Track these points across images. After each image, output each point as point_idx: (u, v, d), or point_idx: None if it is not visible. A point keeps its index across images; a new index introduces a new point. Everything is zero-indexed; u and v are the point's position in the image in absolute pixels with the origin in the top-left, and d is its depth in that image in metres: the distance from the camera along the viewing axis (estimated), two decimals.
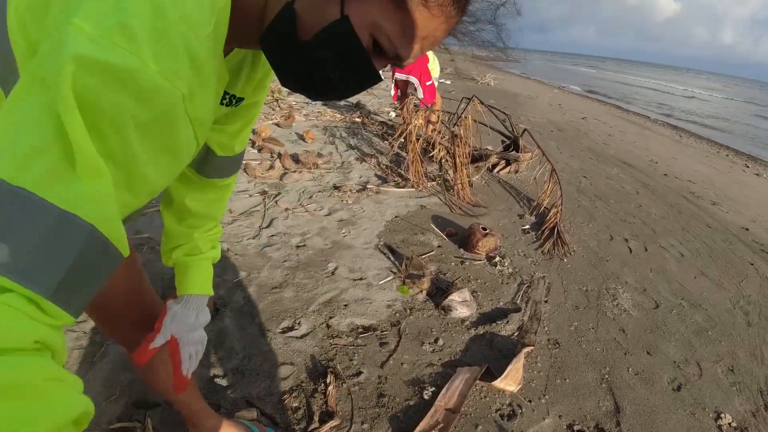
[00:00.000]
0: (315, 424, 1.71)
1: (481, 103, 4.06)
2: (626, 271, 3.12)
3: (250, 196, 3.41)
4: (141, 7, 0.44)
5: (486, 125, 4.35)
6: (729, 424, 2.02)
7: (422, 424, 1.73)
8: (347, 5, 0.57)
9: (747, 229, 4.92)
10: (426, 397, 1.89)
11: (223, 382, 1.87)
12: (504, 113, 4.57)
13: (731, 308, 2.97)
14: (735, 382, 2.30)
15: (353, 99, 7.66)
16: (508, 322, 2.38)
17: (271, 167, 3.81)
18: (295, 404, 1.80)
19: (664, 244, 3.67)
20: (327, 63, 0.62)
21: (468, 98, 4.06)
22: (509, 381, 1.96)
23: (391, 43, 0.60)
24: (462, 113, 3.86)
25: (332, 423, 1.72)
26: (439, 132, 4.16)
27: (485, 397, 1.93)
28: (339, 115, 5.97)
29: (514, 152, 4.60)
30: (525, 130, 4.50)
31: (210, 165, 0.98)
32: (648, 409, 2.00)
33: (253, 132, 4.68)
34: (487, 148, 4.83)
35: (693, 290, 3.07)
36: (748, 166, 9.19)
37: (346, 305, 2.38)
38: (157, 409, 1.71)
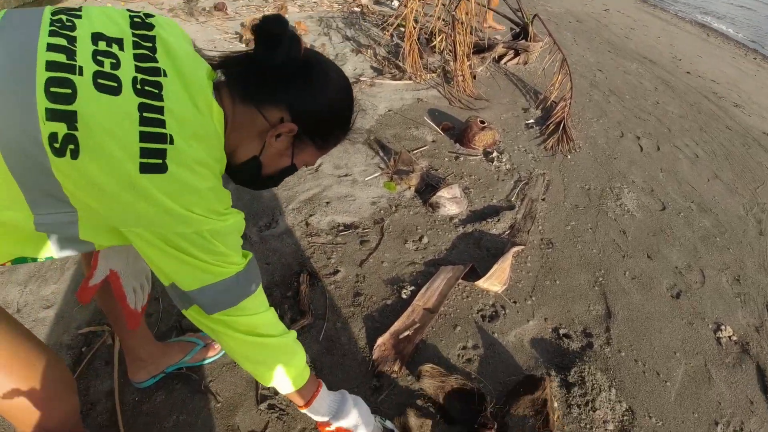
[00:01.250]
0: (286, 323, 1.62)
1: None
2: (634, 171, 2.91)
3: None
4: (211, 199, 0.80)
5: (490, 8, 3.94)
6: (729, 337, 1.90)
7: (397, 323, 1.64)
8: (295, 157, 0.94)
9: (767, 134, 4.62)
10: (404, 296, 1.79)
11: None
12: None
13: (744, 215, 2.78)
14: (740, 293, 2.17)
15: None
16: (499, 220, 2.23)
17: None
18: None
19: (679, 143, 3.41)
20: (275, 182, 1.01)
21: None
22: (494, 281, 1.85)
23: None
24: None
25: (303, 321, 1.64)
26: (439, 18, 3.79)
27: (467, 297, 1.83)
28: (336, 5, 5.51)
29: (523, 41, 4.22)
30: (536, 16, 4.09)
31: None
32: (642, 316, 1.89)
33: (241, 25, 4.34)
34: (494, 38, 4.45)
35: (704, 194, 2.87)
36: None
37: (328, 202, 2.24)
38: None
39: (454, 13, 3.51)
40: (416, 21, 3.60)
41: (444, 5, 3.54)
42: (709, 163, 3.28)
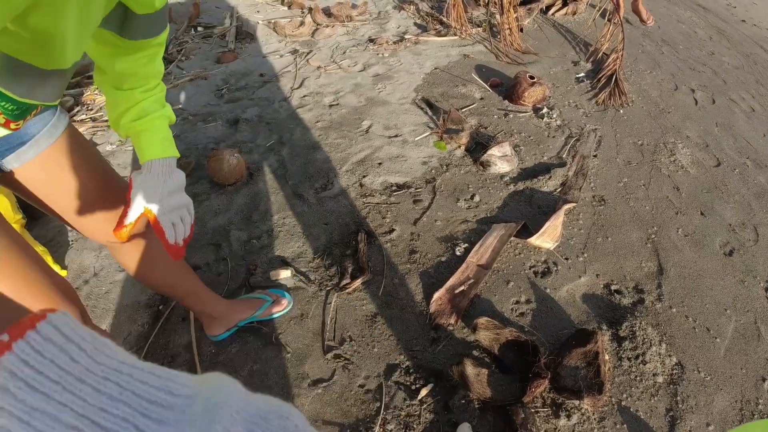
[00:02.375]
0: (347, 280, 1.73)
1: None
2: (689, 125, 2.84)
3: (281, 56, 3.23)
4: None
5: None
6: None
7: (452, 279, 1.72)
8: None
9: None
10: (458, 253, 1.86)
11: (258, 244, 1.89)
12: None
13: None
14: None
15: None
16: (550, 177, 2.25)
17: (302, 24, 3.54)
18: (329, 261, 1.82)
19: (735, 96, 3.28)
20: None
21: None
22: (546, 238, 1.89)
23: None
24: None
25: (363, 278, 1.74)
26: None
27: (520, 254, 1.88)
28: None
29: None
30: None
31: (133, 26, 0.88)
32: (694, 273, 1.90)
33: None
34: None
35: (761, 149, 2.78)
36: None
37: (380, 163, 2.30)
38: (199, 272, 1.79)
39: None
40: None
41: None
42: (766, 118, 3.16)
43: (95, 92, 2.81)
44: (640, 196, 2.24)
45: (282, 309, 1.65)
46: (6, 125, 0.79)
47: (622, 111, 2.85)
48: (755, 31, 4.79)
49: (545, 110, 2.71)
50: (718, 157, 2.61)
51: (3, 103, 0.75)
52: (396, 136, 2.48)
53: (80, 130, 2.48)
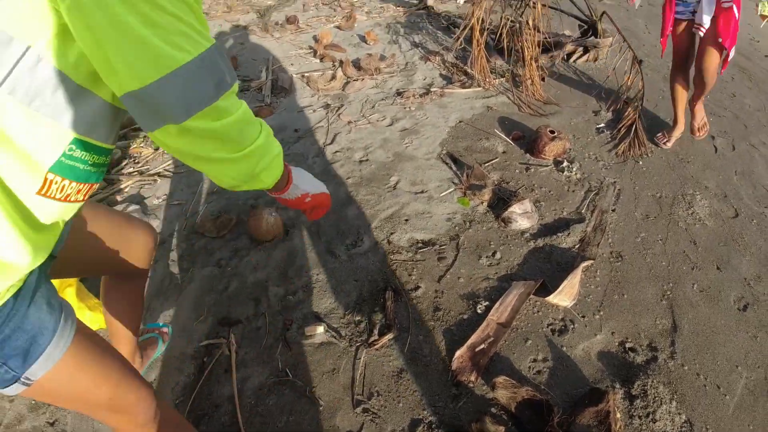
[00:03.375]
0: (374, 336, 1.88)
1: None
2: (708, 175, 2.92)
3: (314, 111, 3.45)
4: None
5: (558, 9, 3.95)
6: None
7: (473, 337, 1.85)
8: None
9: None
10: (479, 311, 1.99)
11: (294, 299, 2.06)
12: None
13: None
14: None
15: None
16: (569, 234, 2.37)
17: (333, 77, 3.78)
18: (358, 318, 1.97)
19: (755, 141, 3.33)
20: None
21: None
22: (563, 296, 2.01)
23: None
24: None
25: (390, 335, 1.88)
26: (508, 18, 3.86)
27: (538, 311, 2.00)
28: (402, 9, 5.66)
29: (592, 38, 4.21)
30: (604, 13, 4.06)
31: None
32: (707, 329, 1.98)
33: (314, 39, 4.59)
34: (562, 34, 4.46)
35: None
36: None
37: (407, 220, 2.46)
38: (239, 326, 1.95)
39: (521, 18, 3.59)
40: (482, 29, 3.71)
41: (511, 6, 3.61)
42: None
43: (141, 144, 3.06)
44: (657, 252, 2.33)
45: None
46: (65, 200, 0.80)
47: (641, 162, 2.96)
48: None
49: (566, 164, 2.84)
50: (736, 207, 2.67)
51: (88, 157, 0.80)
52: (422, 192, 2.64)
53: (127, 183, 2.72)
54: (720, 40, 2.61)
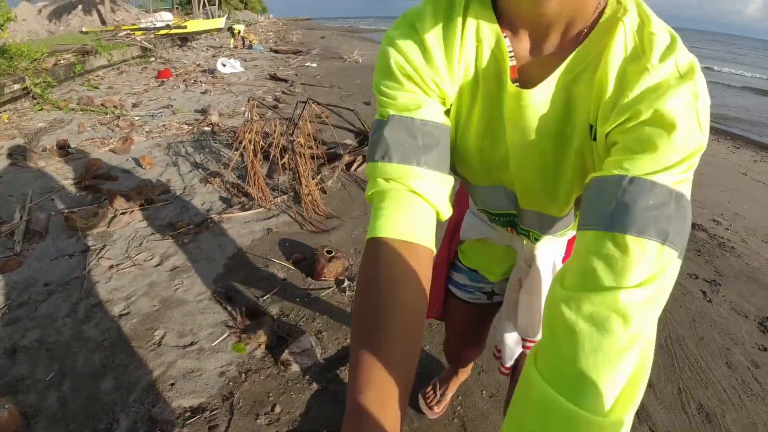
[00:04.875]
0: None
1: (318, 104, 3.82)
2: None
3: (70, 257, 2.98)
4: None
5: (329, 124, 4.11)
6: None
7: None
8: None
9: None
10: None
11: None
12: (349, 109, 4.38)
13: None
14: None
15: (203, 102, 7.13)
16: None
17: (96, 214, 3.37)
18: None
19: None
20: None
21: (303, 102, 3.80)
22: None
23: None
24: (298, 120, 3.61)
25: None
26: (283, 134, 3.88)
27: None
28: (186, 126, 5.49)
29: (366, 147, 4.44)
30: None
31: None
32: None
33: (84, 168, 4.16)
34: (344, 143, 4.65)
35: None
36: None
37: (172, 384, 2.12)
38: None
39: (293, 138, 3.63)
40: (255, 150, 3.66)
41: (282, 134, 3.64)
42: None
43: None
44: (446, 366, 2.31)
45: None
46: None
47: None
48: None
49: (346, 283, 2.78)
50: None
51: None
52: (191, 344, 2.33)
53: None
54: None
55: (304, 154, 3.59)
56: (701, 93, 0.59)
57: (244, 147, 3.59)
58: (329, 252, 2.82)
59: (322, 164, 4.07)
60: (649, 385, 2.32)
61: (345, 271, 2.87)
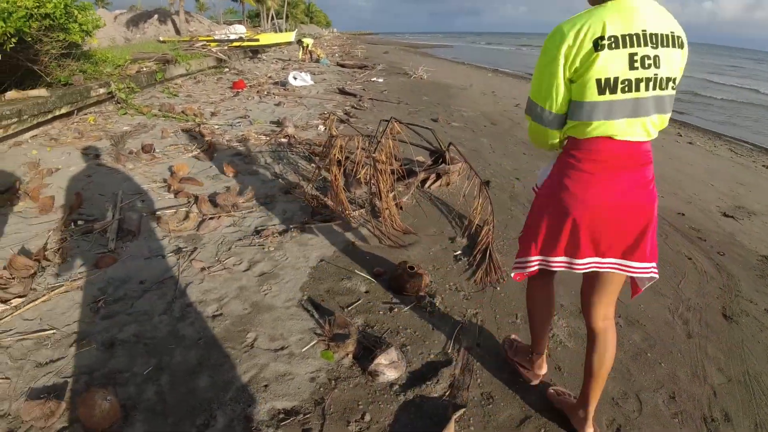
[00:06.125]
0: None
1: (400, 122, 3.91)
2: (561, 291, 3.06)
3: (163, 257, 3.17)
4: None
5: (407, 142, 4.18)
6: None
7: None
8: None
9: (683, 214, 4.98)
10: None
11: None
12: (427, 128, 4.45)
13: (670, 319, 2.95)
14: (676, 412, 2.26)
15: (277, 114, 7.36)
16: (438, 380, 2.26)
17: (187, 217, 3.56)
18: None
19: None
20: None
21: (386, 120, 3.90)
22: None
23: None
24: (381, 136, 3.70)
25: None
26: (363, 149, 3.99)
27: None
28: (264, 137, 5.71)
29: (443, 165, 4.49)
30: (450, 144, 4.38)
31: None
32: None
33: (170, 171, 4.40)
34: (417, 160, 4.71)
35: (631, 303, 3.04)
36: (680, 135, 9.30)
37: (266, 385, 2.21)
38: None
39: (374, 155, 3.72)
40: (339, 162, 3.77)
41: (364, 148, 3.73)
42: None
43: None
44: (525, 386, 2.30)
45: None
46: None
47: (498, 288, 3.03)
48: None
49: (427, 299, 2.81)
50: None
51: None
52: (282, 348, 2.42)
53: None
54: None
55: (384, 171, 3.67)
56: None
57: (329, 161, 3.70)
58: (411, 268, 2.87)
59: (398, 179, 4.14)
60: (727, 419, 2.25)
61: (425, 287, 2.91)
